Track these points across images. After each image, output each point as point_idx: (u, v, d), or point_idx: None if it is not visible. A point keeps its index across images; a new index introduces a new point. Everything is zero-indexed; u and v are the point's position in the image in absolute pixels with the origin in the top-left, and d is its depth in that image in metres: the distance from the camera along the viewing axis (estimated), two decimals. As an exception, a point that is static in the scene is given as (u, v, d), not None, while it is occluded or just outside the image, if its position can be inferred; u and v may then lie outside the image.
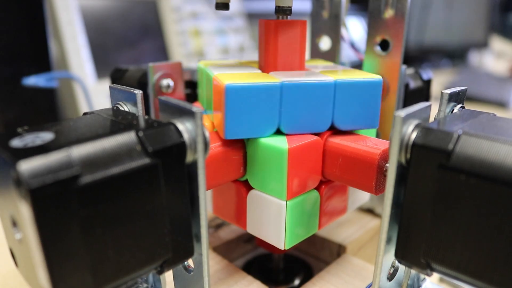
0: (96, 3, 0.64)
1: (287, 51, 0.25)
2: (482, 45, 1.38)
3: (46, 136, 0.16)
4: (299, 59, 0.26)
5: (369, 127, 0.24)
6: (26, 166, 0.13)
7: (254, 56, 0.82)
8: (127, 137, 0.16)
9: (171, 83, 0.30)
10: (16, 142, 0.15)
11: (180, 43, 0.72)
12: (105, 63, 0.62)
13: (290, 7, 0.23)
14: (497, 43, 1.58)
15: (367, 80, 0.23)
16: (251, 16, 0.88)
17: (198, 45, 0.74)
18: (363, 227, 0.33)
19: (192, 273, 0.21)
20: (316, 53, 0.33)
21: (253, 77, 0.23)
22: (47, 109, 0.50)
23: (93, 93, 0.54)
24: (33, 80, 0.44)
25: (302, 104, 0.23)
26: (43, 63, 0.49)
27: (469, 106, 0.21)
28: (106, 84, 0.59)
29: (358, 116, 0.24)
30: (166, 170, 0.17)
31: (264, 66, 0.26)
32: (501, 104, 0.84)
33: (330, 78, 0.23)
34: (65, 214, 0.14)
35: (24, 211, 0.14)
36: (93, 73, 0.60)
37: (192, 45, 0.73)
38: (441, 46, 1.27)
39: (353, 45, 0.34)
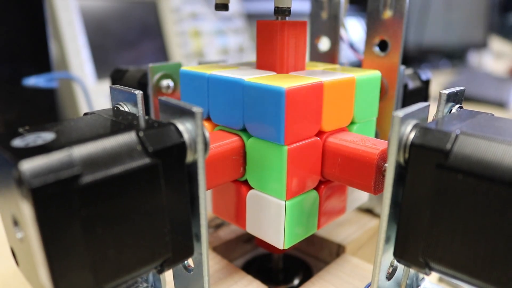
0: (96, 4, 0.64)
1: (266, 51, 0.25)
2: (481, 45, 1.38)
3: (47, 136, 0.16)
4: (282, 59, 0.25)
5: (274, 140, 0.22)
6: (28, 165, 0.13)
7: (253, 56, 0.83)
8: (128, 137, 0.16)
9: (171, 83, 0.30)
10: (17, 142, 0.15)
11: (179, 44, 0.72)
12: (105, 63, 0.62)
13: (289, 7, 0.23)
14: (496, 44, 1.58)
15: (268, 87, 0.21)
16: (251, 17, 0.88)
17: (197, 46, 0.74)
18: (362, 227, 0.33)
19: (192, 272, 0.21)
20: (315, 54, 0.33)
21: (208, 68, 0.26)
22: (47, 109, 0.50)
23: (93, 94, 0.54)
24: (33, 81, 0.44)
25: (219, 97, 0.24)
26: (43, 64, 0.49)
27: (468, 106, 0.21)
28: (105, 84, 0.59)
29: (263, 125, 0.22)
30: (166, 170, 0.17)
31: (256, 65, 0.26)
32: (500, 104, 0.84)
33: (244, 77, 0.22)
34: (66, 213, 0.14)
35: (26, 210, 0.14)
36: (93, 74, 0.60)
37: (191, 46, 0.74)
38: (440, 46, 1.28)
39: (352, 46, 0.34)
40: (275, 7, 0.24)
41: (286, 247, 0.23)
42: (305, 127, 0.22)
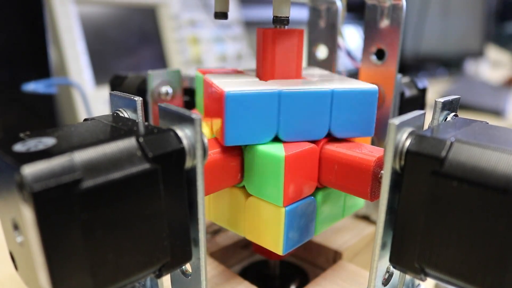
0: (96, 10, 0.64)
1: (284, 60, 0.25)
2: (478, 54, 1.39)
3: (48, 141, 0.16)
4: (296, 67, 0.26)
5: (365, 135, 0.25)
6: (30, 170, 0.14)
7: (251, 63, 0.83)
8: (128, 143, 0.17)
9: (170, 90, 0.31)
10: (18, 147, 0.16)
11: (178, 51, 0.72)
12: (104, 69, 0.62)
13: (288, 17, 0.24)
14: (493, 52, 1.59)
15: (363, 89, 0.24)
16: (249, 24, 0.89)
17: (196, 53, 0.75)
18: (359, 233, 0.33)
19: (189, 277, 0.21)
20: (313, 62, 0.34)
21: (252, 85, 0.23)
22: (46, 115, 0.50)
23: (92, 100, 0.55)
24: (32, 86, 0.44)
25: (299, 112, 0.23)
26: (42, 69, 0.49)
27: (465, 114, 0.21)
28: (104, 90, 0.60)
29: (355, 125, 0.24)
30: (166, 175, 0.17)
31: (262, 74, 0.26)
32: (497, 113, 0.84)
33: (327, 86, 0.23)
34: (67, 217, 0.14)
35: (27, 214, 0.14)
36: (91, 80, 0.60)
37: (190, 53, 0.74)
38: (437, 55, 1.29)
39: (349, 54, 0.34)
40: (273, 16, 0.24)
41: (284, 253, 0.24)
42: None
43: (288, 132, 0.23)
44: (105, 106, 0.58)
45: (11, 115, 0.48)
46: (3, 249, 0.20)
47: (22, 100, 0.47)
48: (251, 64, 0.83)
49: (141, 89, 0.31)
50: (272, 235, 0.23)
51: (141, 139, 0.17)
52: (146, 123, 0.19)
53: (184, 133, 0.18)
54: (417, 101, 0.33)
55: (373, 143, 0.30)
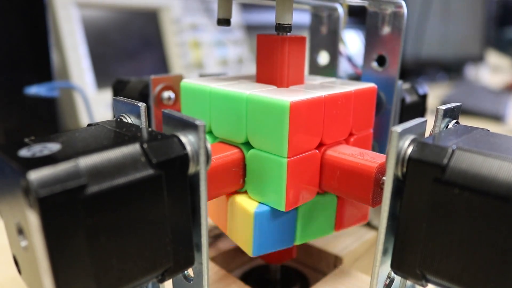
0: (98, 14, 0.64)
1: (266, 65, 0.26)
2: (478, 59, 1.39)
3: (53, 147, 0.16)
4: (282, 73, 0.25)
5: (277, 153, 0.22)
6: (35, 175, 0.14)
7: (252, 68, 0.83)
8: (132, 149, 0.17)
9: (172, 95, 0.31)
10: (24, 152, 0.16)
11: (179, 55, 0.72)
12: (105, 73, 0.62)
13: (290, 24, 0.24)
14: (493, 57, 1.59)
15: (271, 101, 0.22)
16: (250, 29, 0.89)
17: (197, 57, 0.75)
18: (359, 238, 0.33)
19: (192, 282, 0.21)
20: (315, 68, 0.34)
21: (209, 82, 0.25)
22: (48, 118, 0.50)
23: (93, 103, 0.55)
24: (34, 90, 0.44)
25: (222, 111, 0.24)
26: (44, 73, 0.49)
27: (465, 119, 0.21)
28: (106, 94, 0.60)
29: (266, 139, 0.22)
30: (169, 181, 0.17)
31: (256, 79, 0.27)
32: (497, 118, 0.84)
33: (246, 91, 0.23)
34: (72, 223, 0.15)
35: (32, 219, 0.14)
36: (93, 83, 0.60)
37: (191, 57, 0.74)
38: (438, 59, 1.29)
39: (350, 60, 0.34)
40: (276, 23, 0.24)
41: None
42: (308, 140, 0.23)
43: (216, 129, 0.25)
44: (107, 110, 0.58)
45: (13, 119, 0.48)
46: (5, 252, 0.20)
47: (24, 103, 0.47)
48: (252, 68, 0.83)
49: (144, 94, 0.31)
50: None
51: (145, 145, 0.17)
52: (150, 129, 0.20)
53: (187, 139, 0.18)
54: (418, 107, 0.34)
55: (373, 149, 0.31)
